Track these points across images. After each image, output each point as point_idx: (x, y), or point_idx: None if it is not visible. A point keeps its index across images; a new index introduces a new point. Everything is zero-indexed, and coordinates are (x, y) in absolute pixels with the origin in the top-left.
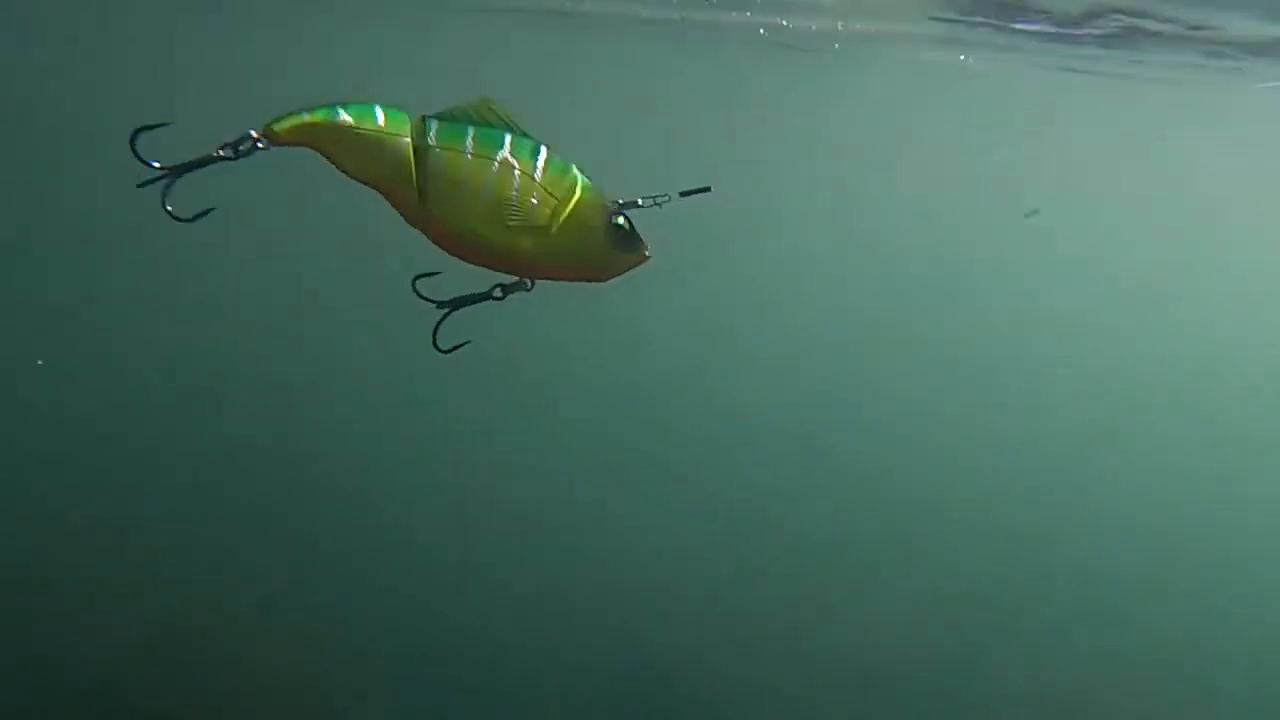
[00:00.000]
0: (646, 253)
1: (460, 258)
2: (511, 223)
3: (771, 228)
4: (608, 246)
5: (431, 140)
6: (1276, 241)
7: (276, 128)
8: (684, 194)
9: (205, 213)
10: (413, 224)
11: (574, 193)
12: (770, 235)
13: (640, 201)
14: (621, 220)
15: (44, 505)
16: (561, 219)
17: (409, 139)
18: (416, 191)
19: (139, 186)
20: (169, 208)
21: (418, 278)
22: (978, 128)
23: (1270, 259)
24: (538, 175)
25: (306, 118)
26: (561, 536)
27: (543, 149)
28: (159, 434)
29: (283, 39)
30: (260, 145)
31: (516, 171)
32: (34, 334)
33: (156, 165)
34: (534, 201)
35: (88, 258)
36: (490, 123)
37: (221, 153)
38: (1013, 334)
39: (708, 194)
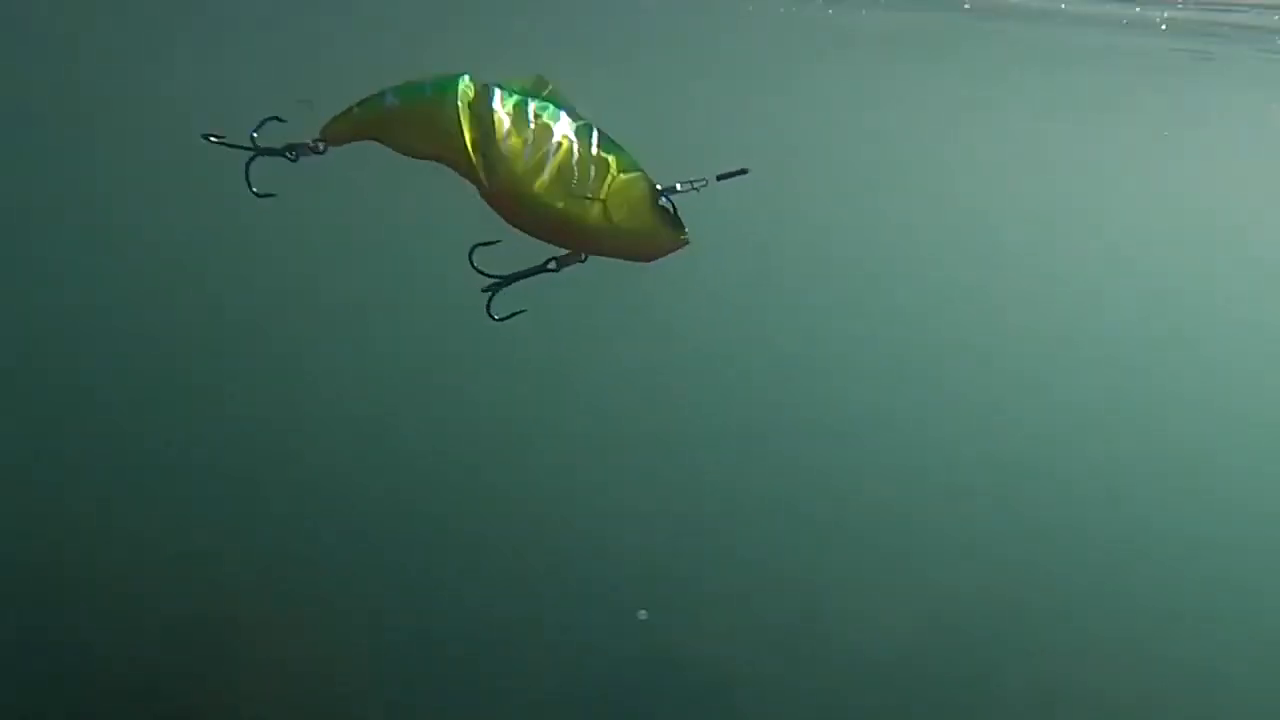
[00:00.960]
0: (685, 237)
1: (519, 226)
2: (572, 191)
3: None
4: (657, 224)
5: (496, 105)
6: None
7: (329, 130)
8: (721, 177)
9: (269, 195)
10: (477, 185)
11: (626, 169)
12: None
13: (678, 186)
14: (665, 202)
15: (61, 500)
16: (616, 193)
17: (457, 102)
18: (473, 154)
19: (207, 138)
20: (251, 183)
21: (476, 246)
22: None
23: None
24: (594, 149)
25: (356, 112)
26: (569, 525)
27: (594, 128)
28: (169, 426)
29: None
30: (320, 150)
31: (575, 144)
32: (42, 332)
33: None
34: (592, 172)
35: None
36: (546, 98)
37: (289, 154)
38: (1026, 326)
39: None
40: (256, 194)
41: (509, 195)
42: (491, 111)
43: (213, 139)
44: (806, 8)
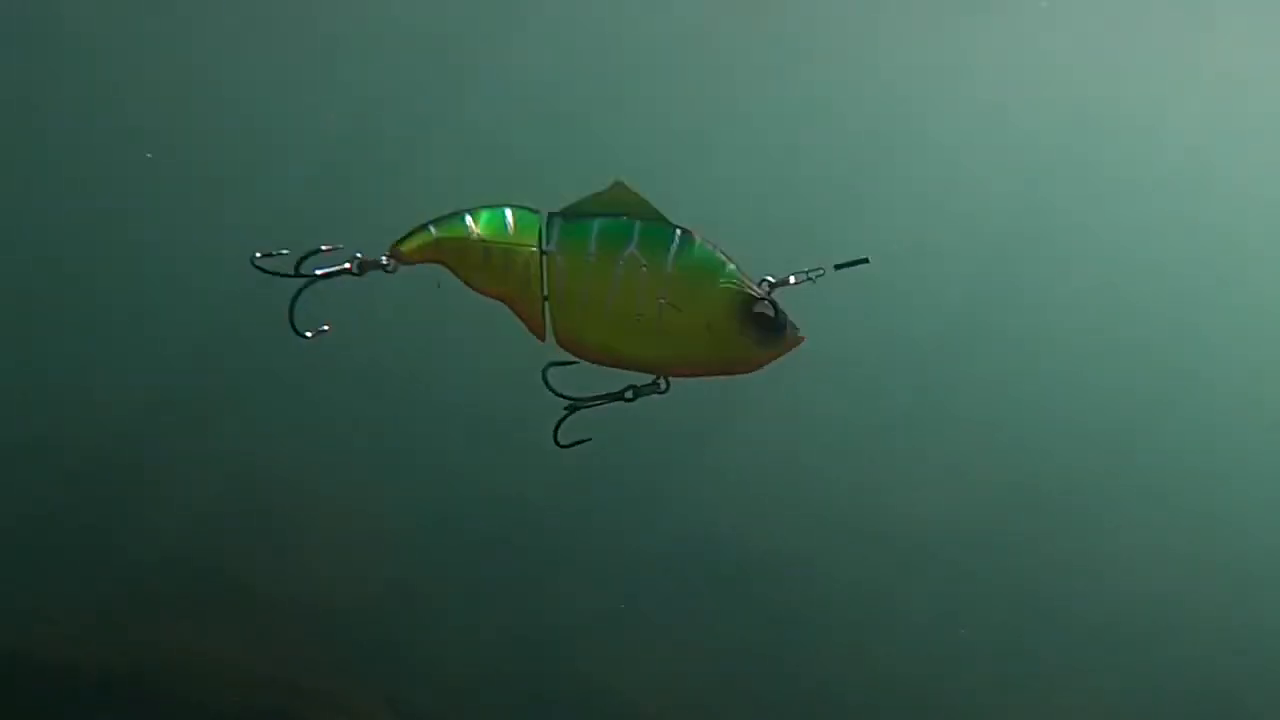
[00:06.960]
0: (799, 335)
1: (592, 362)
2: (637, 330)
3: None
4: (750, 341)
5: (553, 245)
6: None
7: (403, 247)
8: (839, 266)
9: (322, 331)
10: (538, 336)
11: (710, 286)
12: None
13: (792, 279)
14: (764, 307)
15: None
16: (694, 319)
17: (539, 247)
18: (544, 309)
19: (254, 264)
20: (294, 323)
21: (550, 365)
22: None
23: None
24: (669, 268)
25: (433, 233)
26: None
27: (676, 236)
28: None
29: None
30: (388, 268)
31: (644, 269)
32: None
33: (296, 275)
34: (662, 303)
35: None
36: (620, 212)
37: (350, 266)
38: (1013, 331)
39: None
40: (304, 335)
41: (573, 343)
42: (579, 257)
43: (261, 266)
44: None
